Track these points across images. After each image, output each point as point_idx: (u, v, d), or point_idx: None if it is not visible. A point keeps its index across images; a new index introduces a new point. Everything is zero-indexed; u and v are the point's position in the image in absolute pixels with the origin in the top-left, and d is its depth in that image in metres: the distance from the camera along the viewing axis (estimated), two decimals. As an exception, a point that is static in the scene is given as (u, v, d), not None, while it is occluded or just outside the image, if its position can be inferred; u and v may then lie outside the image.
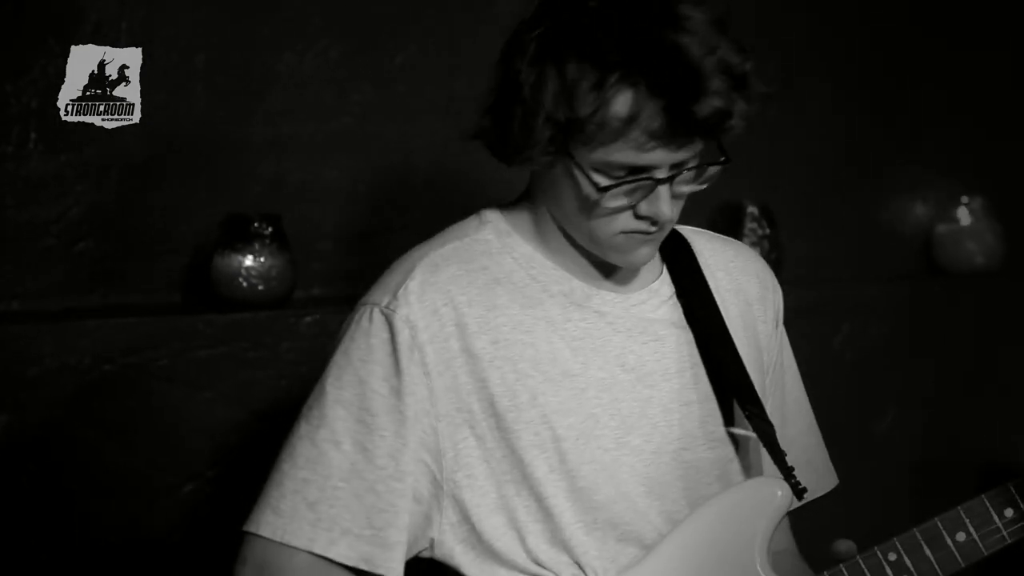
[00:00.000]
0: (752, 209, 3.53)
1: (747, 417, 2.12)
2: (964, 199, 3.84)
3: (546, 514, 2.02)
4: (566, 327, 2.07)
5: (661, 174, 1.96)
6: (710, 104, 1.92)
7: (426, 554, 2.05)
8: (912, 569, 2.01)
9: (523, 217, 2.11)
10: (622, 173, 1.96)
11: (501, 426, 2.02)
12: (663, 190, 1.97)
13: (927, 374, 3.73)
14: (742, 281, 2.22)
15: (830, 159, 3.75)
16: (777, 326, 2.27)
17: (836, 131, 3.75)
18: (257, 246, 2.90)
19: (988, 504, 2.03)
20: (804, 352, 3.56)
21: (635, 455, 2.06)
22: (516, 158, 2.01)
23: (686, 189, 2.02)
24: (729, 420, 2.13)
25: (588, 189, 1.97)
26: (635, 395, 2.08)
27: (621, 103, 1.91)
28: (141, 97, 2.80)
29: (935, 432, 3.74)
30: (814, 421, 2.31)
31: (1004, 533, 2.02)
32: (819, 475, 2.27)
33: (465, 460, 2.02)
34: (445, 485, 2.02)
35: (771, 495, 2.05)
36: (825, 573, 2.02)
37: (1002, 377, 3.80)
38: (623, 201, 1.98)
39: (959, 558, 2.02)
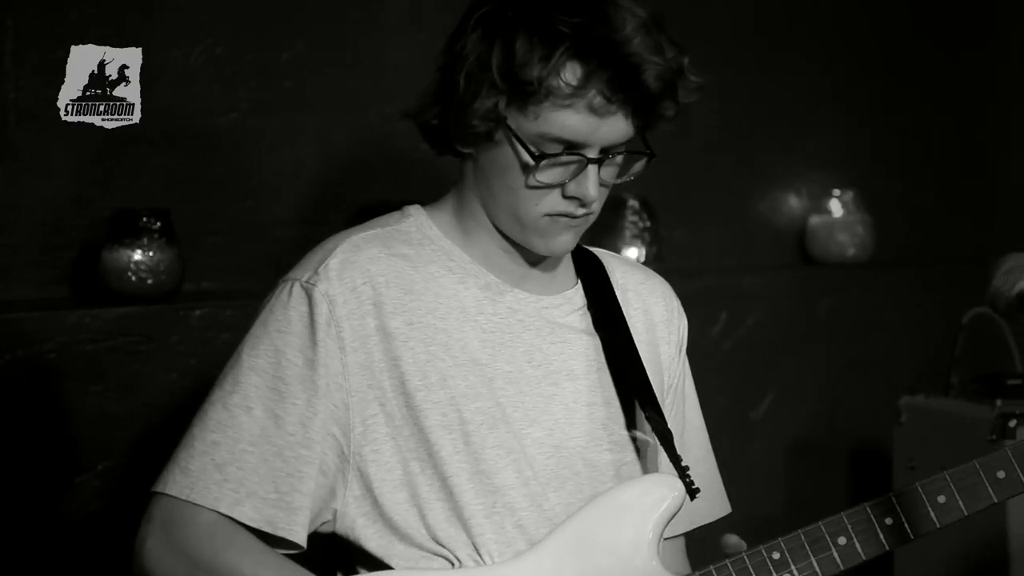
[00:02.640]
0: (633, 202, 3.58)
1: (647, 419, 2.17)
2: (836, 192, 3.92)
3: (448, 493, 2.06)
4: (478, 319, 2.11)
5: (592, 154, 2.03)
6: (649, 80, 2.01)
7: (327, 528, 2.08)
8: (794, 568, 2.05)
9: (446, 213, 2.16)
10: (556, 149, 2.02)
11: (410, 404, 2.06)
12: (592, 171, 2.04)
13: (802, 361, 3.80)
14: (650, 302, 2.28)
15: (709, 153, 3.81)
16: (680, 352, 2.32)
17: (714, 125, 3.79)
18: (146, 240, 2.90)
19: (870, 512, 2.07)
20: (684, 341, 3.64)
21: (536, 447, 2.10)
22: (454, 131, 2.07)
23: (612, 179, 2.09)
24: (631, 424, 2.18)
25: (525, 157, 2.02)
26: (540, 391, 2.13)
27: (570, 72, 1.99)
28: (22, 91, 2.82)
29: (809, 417, 3.81)
30: (711, 451, 2.35)
31: (883, 539, 2.06)
32: (712, 503, 2.30)
33: (373, 435, 2.05)
34: (352, 459, 2.05)
35: (665, 490, 2.08)
36: (711, 568, 2.06)
37: (873, 363, 3.90)
38: (554, 177, 2.04)
39: (839, 561, 2.06)
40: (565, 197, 2.06)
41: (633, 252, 3.55)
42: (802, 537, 2.06)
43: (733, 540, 2.08)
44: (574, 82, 1.99)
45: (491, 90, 2.01)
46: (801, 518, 2.10)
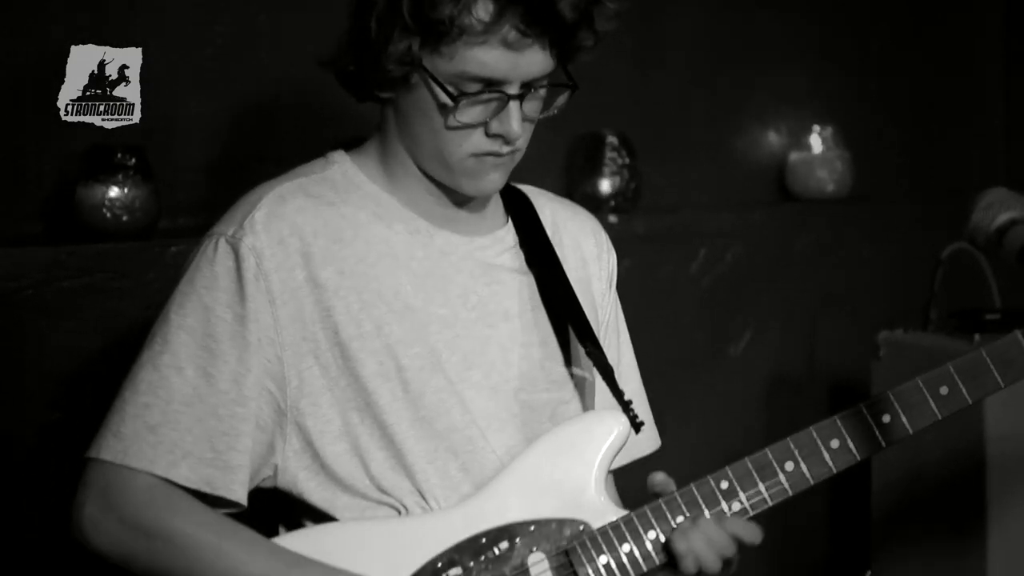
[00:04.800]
0: (612, 139, 3.56)
1: (588, 354, 2.17)
2: (816, 128, 3.91)
3: (389, 441, 2.04)
4: (410, 264, 2.09)
5: (512, 90, 2.00)
6: (565, 11, 1.97)
7: (269, 483, 2.06)
8: (742, 497, 2.06)
9: (370, 157, 2.14)
10: (475, 87, 2.00)
11: (346, 355, 2.04)
12: (514, 107, 2.01)
13: (781, 297, 3.81)
14: (580, 238, 2.27)
15: (688, 89, 3.79)
16: (611, 287, 2.31)
17: (693, 61, 3.79)
18: (121, 177, 2.88)
19: (816, 435, 2.08)
20: (663, 277, 3.65)
21: (475, 390, 2.09)
22: (370, 77, 2.04)
23: (536, 113, 2.06)
24: (568, 362, 2.17)
25: (443, 98, 2.00)
26: (476, 333, 2.11)
27: (482, 7, 1.95)
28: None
29: (789, 353, 3.82)
30: (642, 385, 2.34)
31: (830, 463, 2.07)
32: (647, 436, 2.29)
33: (309, 388, 2.04)
34: (289, 413, 2.04)
35: (610, 425, 2.09)
36: (660, 501, 2.06)
37: (852, 298, 3.91)
38: (475, 116, 2.02)
39: (787, 487, 2.07)
40: (489, 136, 2.03)
41: (610, 187, 3.54)
42: (749, 464, 2.07)
43: (660, 478, 2.08)
44: (486, 18, 1.95)
45: (403, 33, 1.98)
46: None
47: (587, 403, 2.20)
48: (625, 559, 2.04)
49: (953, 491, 3.29)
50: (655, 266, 3.58)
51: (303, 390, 2.04)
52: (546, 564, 2.03)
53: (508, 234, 2.19)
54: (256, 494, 2.05)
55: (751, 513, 2.07)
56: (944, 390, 2.11)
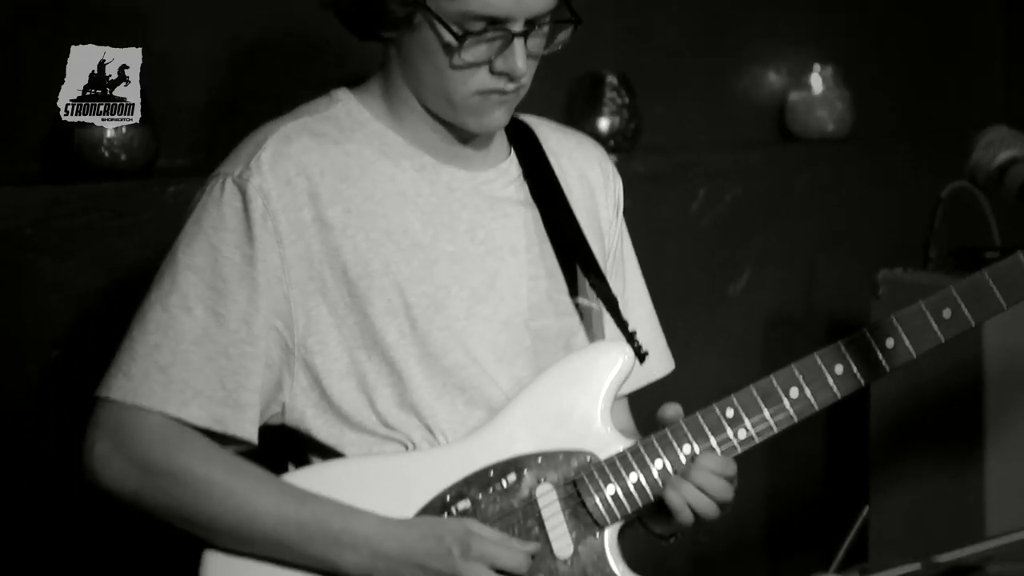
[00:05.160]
0: (611, 78, 3.55)
1: (591, 286, 2.17)
2: (816, 67, 3.91)
3: (396, 378, 2.05)
4: (417, 201, 2.09)
5: (516, 27, 2.00)
6: None
7: (276, 420, 2.07)
8: (748, 423, 2.06)
9: (374, 95, 2.13)
10: (479, 26, 1.99)
11: (353, 293, 2.04)
12: (518, 44, 2.00)
13: (781, 236, 3.82)
14: (585, 168, 2.26)
15: (687, 28, 3.78)
16: (617, 215, 2.31)
17: (694, 1, 3.79)
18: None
19: (820, 361, 2.08)
20: (662, 217, 3.66)
21: (485, 324, 2.09)
22: (373, 17, 2.03)
23: (540, 50, 2.06)
24: (575, 292, 2.17)
25: (448, 38, 1.99)
26: (484, 268, 2.11)
27: None
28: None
29: (788, 292, 3.84)
30: (652, 308, 2.34)
31: (834, 389, 2.07)
32: (658, 359, 2.29)
33: (316, 326, 2.04)
34: (296, 351, 2.04)
35: (615, 356, 2.09)
36: (666, 430, 2.07)
37: (852, 237, 3.91)
38: (480, 55, 2.01)
39: (792, 413, 2.07)
40: (493, 73, 2.02)
41: (610, 127, 3.54)
42: (754, 392, 2.07)
43: (671, 411, 2.08)
44: None
45: None
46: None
47: (595, 333, 2.20)
48: (632, 488, 2.05)
49: (951, 408, 3.30)
50: (655, 205, 3.58)
51: (310, 328, 2.04)
52: (554, 495, 2.04)
53: (511, 165, 2.19)
54: (264, 431, 2.05)
55: (757, 440, 2.07)
56: (947, 313, 2.11)
